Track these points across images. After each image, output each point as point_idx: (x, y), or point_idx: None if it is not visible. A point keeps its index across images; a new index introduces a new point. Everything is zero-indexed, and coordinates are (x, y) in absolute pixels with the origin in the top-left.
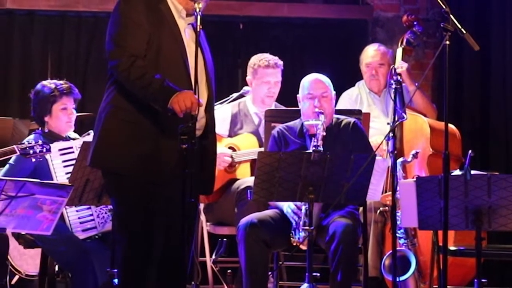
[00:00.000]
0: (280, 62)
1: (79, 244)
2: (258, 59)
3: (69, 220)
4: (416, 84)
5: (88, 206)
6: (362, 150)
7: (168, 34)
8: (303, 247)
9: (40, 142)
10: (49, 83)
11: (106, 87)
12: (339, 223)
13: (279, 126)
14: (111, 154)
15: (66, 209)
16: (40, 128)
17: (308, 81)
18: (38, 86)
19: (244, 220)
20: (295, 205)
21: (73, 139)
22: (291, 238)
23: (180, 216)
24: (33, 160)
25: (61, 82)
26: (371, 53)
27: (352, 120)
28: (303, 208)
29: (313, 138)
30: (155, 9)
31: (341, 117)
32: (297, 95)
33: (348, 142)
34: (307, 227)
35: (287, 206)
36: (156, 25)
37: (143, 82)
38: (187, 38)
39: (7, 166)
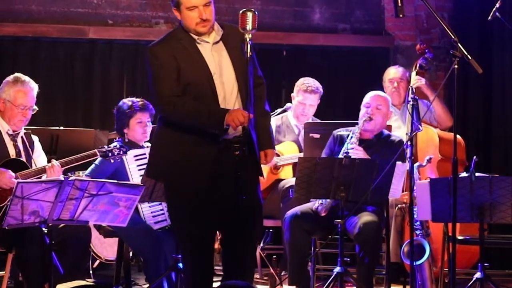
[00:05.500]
0: (320, 88)
1: (153, 234)
2: (301, 82)
3: (143, 214)
4: (435, 93)
5: (159, 202)
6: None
7: (191, 62)
8: (323, 214)
9: (117, 145)
10: (128, 101)
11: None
12: (365, 219)
13: (341, 129)
14: (160, 167)
15: (140, 205)
16: (120, 138)
17: (370, 94)
18: (120, 103)
19: (290, 212)
20: None
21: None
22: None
23: (235, 213)
24: (112, 161)
25: (138, 99)
26: (393, 71)
27: (399, 138)
28: None
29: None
30: (178, 45)
31: (393, 134)
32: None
33: (386, 154)
34: (339, 220)
35: None
36: (180, 58)
37: (191, 117)
38: (216, 57)
39: (92, 165)
